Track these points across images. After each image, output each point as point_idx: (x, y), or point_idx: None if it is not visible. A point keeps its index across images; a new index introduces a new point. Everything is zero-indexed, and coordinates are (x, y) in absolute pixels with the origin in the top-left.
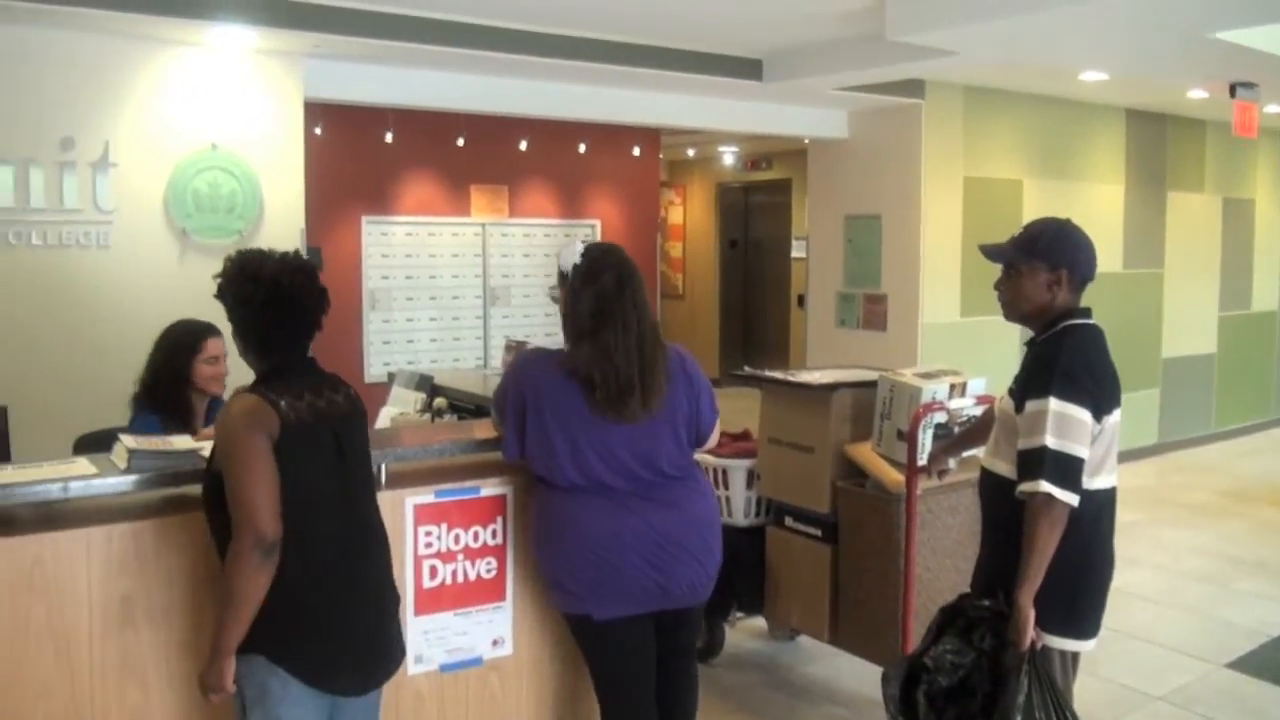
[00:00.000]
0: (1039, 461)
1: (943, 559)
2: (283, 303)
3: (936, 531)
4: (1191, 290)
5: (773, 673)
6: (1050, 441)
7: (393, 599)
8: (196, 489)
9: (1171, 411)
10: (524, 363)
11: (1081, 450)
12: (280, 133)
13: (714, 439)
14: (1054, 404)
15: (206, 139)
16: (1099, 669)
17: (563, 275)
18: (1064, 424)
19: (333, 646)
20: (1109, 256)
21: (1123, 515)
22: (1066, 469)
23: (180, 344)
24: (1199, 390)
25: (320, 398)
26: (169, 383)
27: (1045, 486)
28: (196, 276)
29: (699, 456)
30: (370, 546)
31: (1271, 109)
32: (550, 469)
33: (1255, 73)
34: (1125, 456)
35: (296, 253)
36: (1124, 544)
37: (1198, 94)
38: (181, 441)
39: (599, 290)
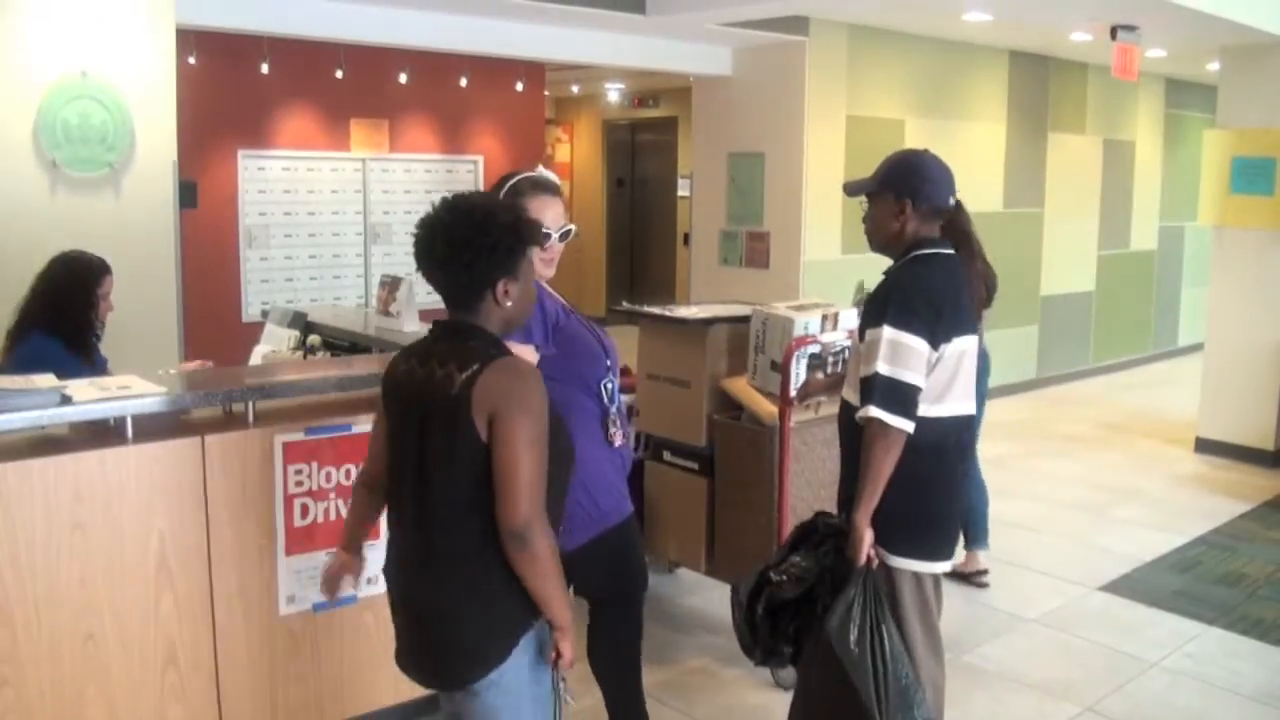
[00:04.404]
0: (872, 388)
1: (818, 490)
2: (509, 246)
3: (811, 463)
4: (1071, 229)
5: (652, 605)
6: (882, 368)
7: (441, 618)
8: (62, 430)
9: (1050, 347)
10: None
11: (914, 377)
12: (151, 61)
13: None
14: (887, 331)
15: (76, 67)
16: (973, 594)
17: None
18: (896, 351)
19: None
20: (990, 195)
21: (1001, 447)
22: (896, 395)
23: (92, 269)
24: (1077, 327)
25: (423, 367)
26: (82, 307)
27: (874, 411)
28: (69, 209)
29: None
30: (421, 561)
31: (1152, 53)
32: None
33: (1136, 15)
34: (1005, 391)
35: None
36: (1002, 475)
37: (1080, 36)
38: (45, 380)
39: None
